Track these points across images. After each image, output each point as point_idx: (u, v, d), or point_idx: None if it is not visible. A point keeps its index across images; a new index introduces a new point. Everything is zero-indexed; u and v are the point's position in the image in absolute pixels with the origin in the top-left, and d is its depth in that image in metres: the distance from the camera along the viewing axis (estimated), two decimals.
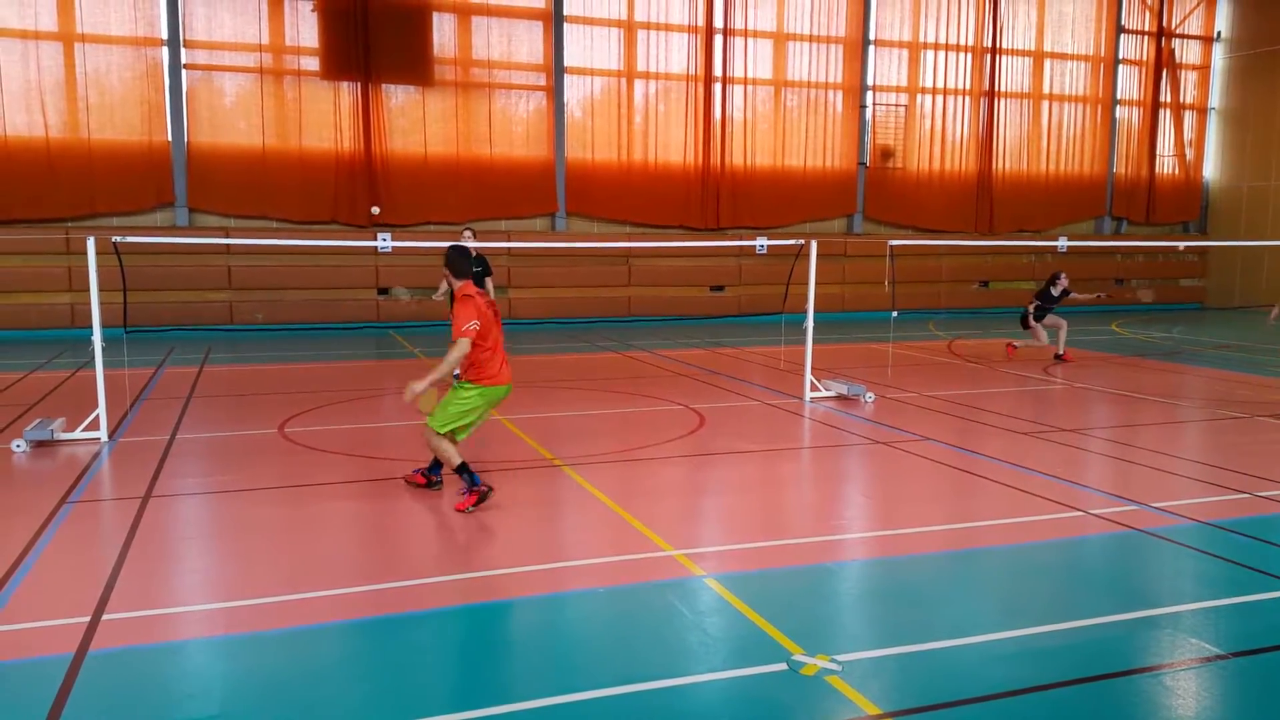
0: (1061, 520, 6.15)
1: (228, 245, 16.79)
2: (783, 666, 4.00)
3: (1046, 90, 23.05)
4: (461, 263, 6.31)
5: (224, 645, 4.29)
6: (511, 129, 18.87)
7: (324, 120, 17.57)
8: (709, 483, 7.32)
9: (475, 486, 6.16)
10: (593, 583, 5.05)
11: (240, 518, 6.17)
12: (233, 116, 17.23)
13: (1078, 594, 4.96)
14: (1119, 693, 3.87)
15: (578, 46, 19.08)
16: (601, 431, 8.92)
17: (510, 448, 8.11)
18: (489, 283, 11.08)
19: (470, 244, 10.89)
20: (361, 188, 17.77)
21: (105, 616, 4.46)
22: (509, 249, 17.56)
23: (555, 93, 18.89)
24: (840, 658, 4.07)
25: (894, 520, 6.30)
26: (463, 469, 6.21)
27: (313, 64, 17.46)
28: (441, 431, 6.24)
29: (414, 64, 17.89)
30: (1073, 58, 23.24)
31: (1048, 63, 22.99)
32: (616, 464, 7.57)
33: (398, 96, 18.06)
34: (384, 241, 10.78)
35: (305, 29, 17.33)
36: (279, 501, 6.52)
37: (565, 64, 18.93)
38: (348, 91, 17.64)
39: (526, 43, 18.74)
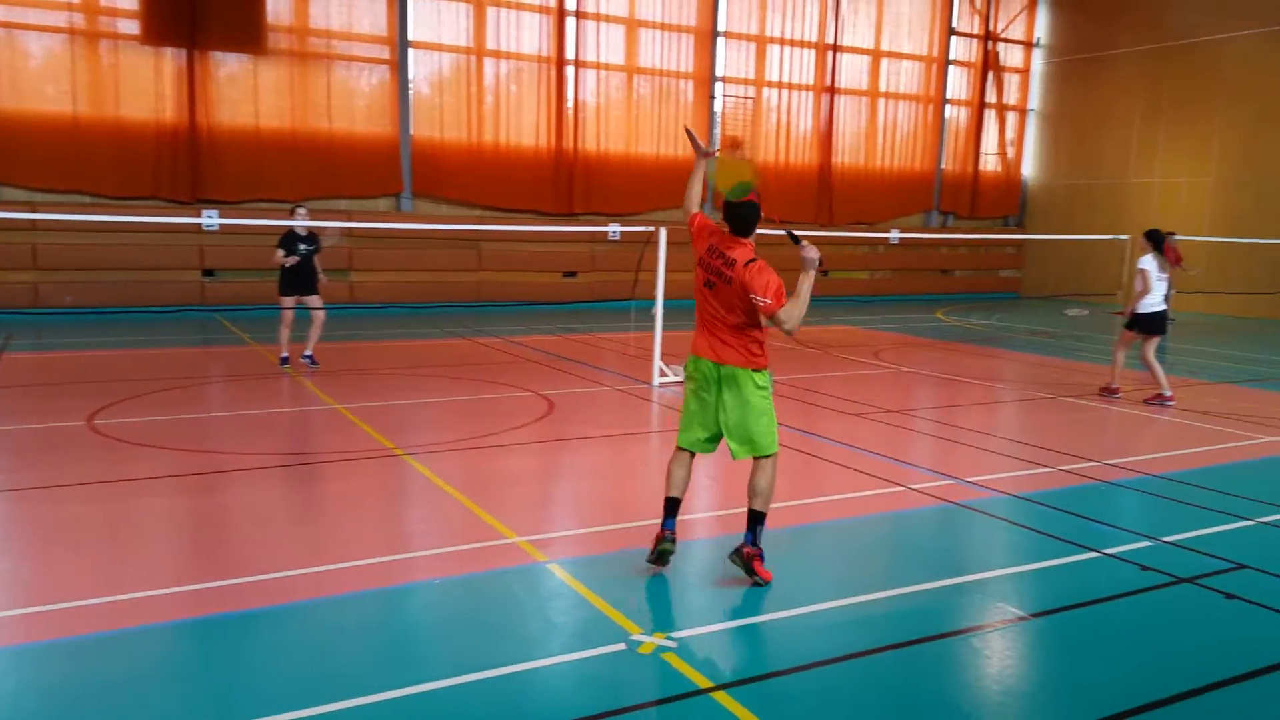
0: (887, 495, 6.50)
1: (33, 221, 15.30)
2: (621, 646, 4.04)
3: (883, 88, 24.17)
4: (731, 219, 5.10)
5: (26, 654, 3.93)
6: (353, 103, 18.09)
7: (144, 88, 16.27)
8: (554, 469, 7.30)
9: (662, 528, 4.88)
10: (436, 573, 4.94)
11: (43, 517, 5.66)
12: (39, 81, 15.72)
13: (899, 564, 5.26)
14: (934, 654, 4.13)
15: (424, 21, 18.49)
16: (446, 420, 8.73)
17: (348, 437, 7.82)
18: (316, 261, 10.61)
19: (302, 223, 10.41)
20: (185, 161, 16.60)
21: None
22: (349, 229, 16.84)
23: (399, 67, 18.26)
24: (676, 634, 4.15)
25: (734, 500, 6.47)
26: (666, 504, 4.91)
27: (132, 27, 16.13)
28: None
29: (245, 31, 16.80)
30: (908, 57, 24.45)
31: (884, 61, 24.10)
32: (461, 452, 7.43)
33: (228, 65, 16.95)
34: (210, 219, 10.09)
35: None
36: (88, 499, 6.02)
37: (410, 38, 18.32)
38: (171, 58, 16.40)
39: (369, 14, 17.99)
